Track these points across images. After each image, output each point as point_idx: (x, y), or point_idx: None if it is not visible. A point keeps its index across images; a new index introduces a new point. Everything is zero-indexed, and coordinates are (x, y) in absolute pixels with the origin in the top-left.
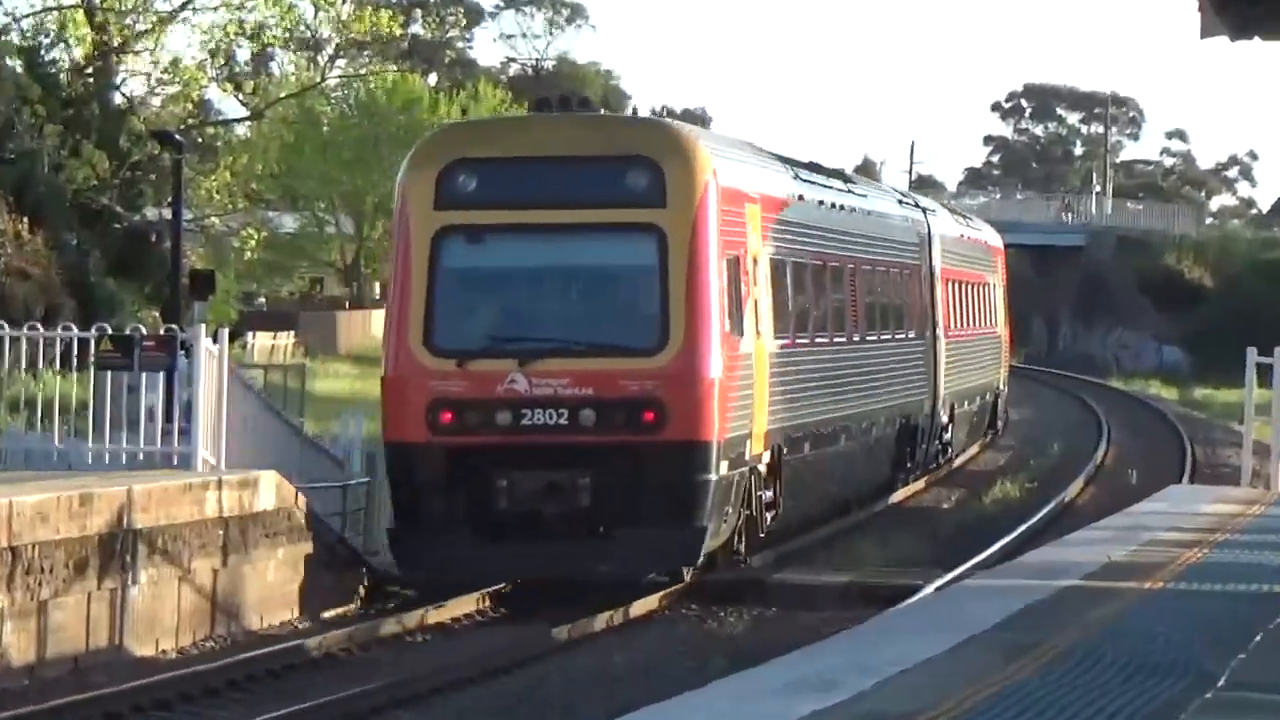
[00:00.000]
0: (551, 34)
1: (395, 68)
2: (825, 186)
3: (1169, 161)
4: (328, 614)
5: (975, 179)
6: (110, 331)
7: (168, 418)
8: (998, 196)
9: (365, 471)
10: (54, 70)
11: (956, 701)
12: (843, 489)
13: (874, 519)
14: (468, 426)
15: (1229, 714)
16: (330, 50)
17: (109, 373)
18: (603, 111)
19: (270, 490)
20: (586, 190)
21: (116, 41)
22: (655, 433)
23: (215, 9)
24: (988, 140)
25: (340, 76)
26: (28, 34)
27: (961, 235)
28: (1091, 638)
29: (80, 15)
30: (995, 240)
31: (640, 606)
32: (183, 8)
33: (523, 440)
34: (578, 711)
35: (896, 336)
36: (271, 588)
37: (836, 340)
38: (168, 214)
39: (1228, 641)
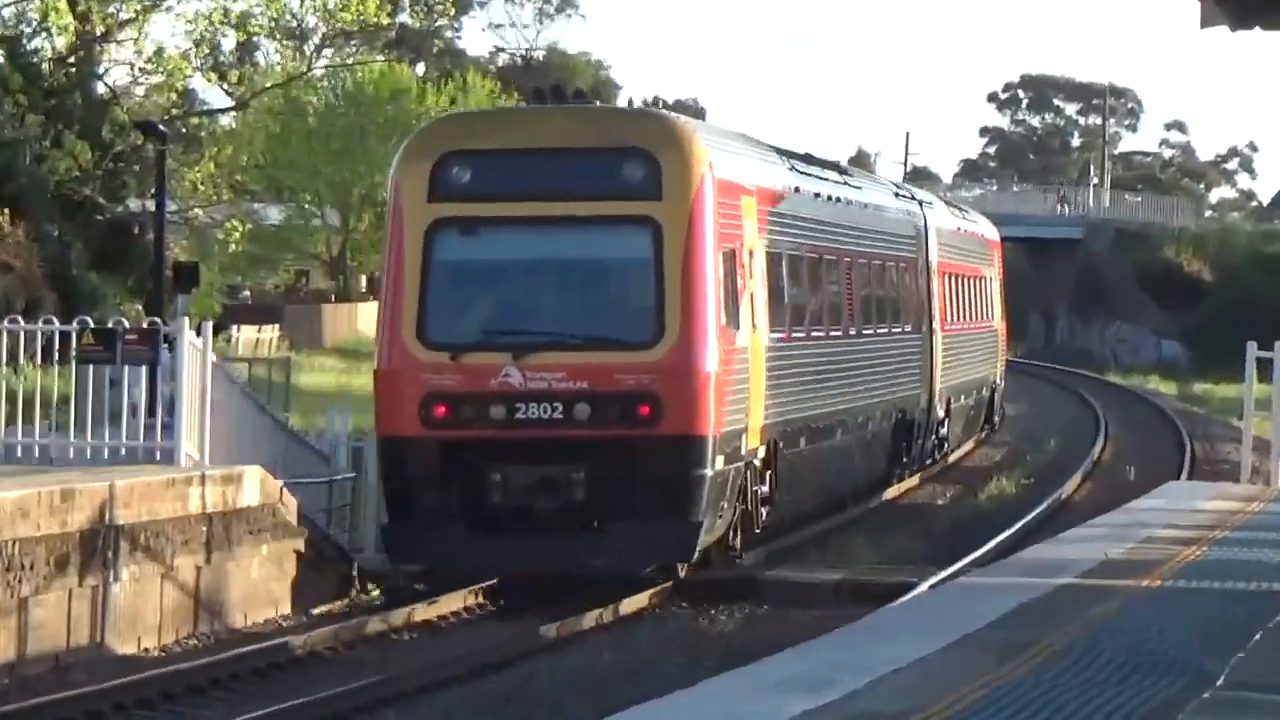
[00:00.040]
0: (541, 24)
1: (383, 57)
2: (821, 179)
3: (1168, 153)
4: (314, 611)
5: (971, 171)
6: (92, 325)
7: (150, 412)
8: (994, 188)
9: (351, 467)
10: (36, 60)
11: (950, 701)
12: (839, 484)
13: (867, 516)
14: (461, 420)
15: (1228, 714)
16: (317, 39)
17: (91, 367)
18: (597, 103)
19: (254, 486)
20: (581, 182)
21: (99, 30)
22: (650, 427)
23: None
24: (984, 131)
25: (327, 66)
26: (9, 23)
27: (958, 228)
28: (1087, 636)
29: (62, 4)
30: (992, 233)
31: (630, 604)
32: None
33: (517, 434)
34: (567, 711)
35: (893, 330)
36: (255, 585)
37: (833, 334)
38: (151, 205)
39: (1226, 640)
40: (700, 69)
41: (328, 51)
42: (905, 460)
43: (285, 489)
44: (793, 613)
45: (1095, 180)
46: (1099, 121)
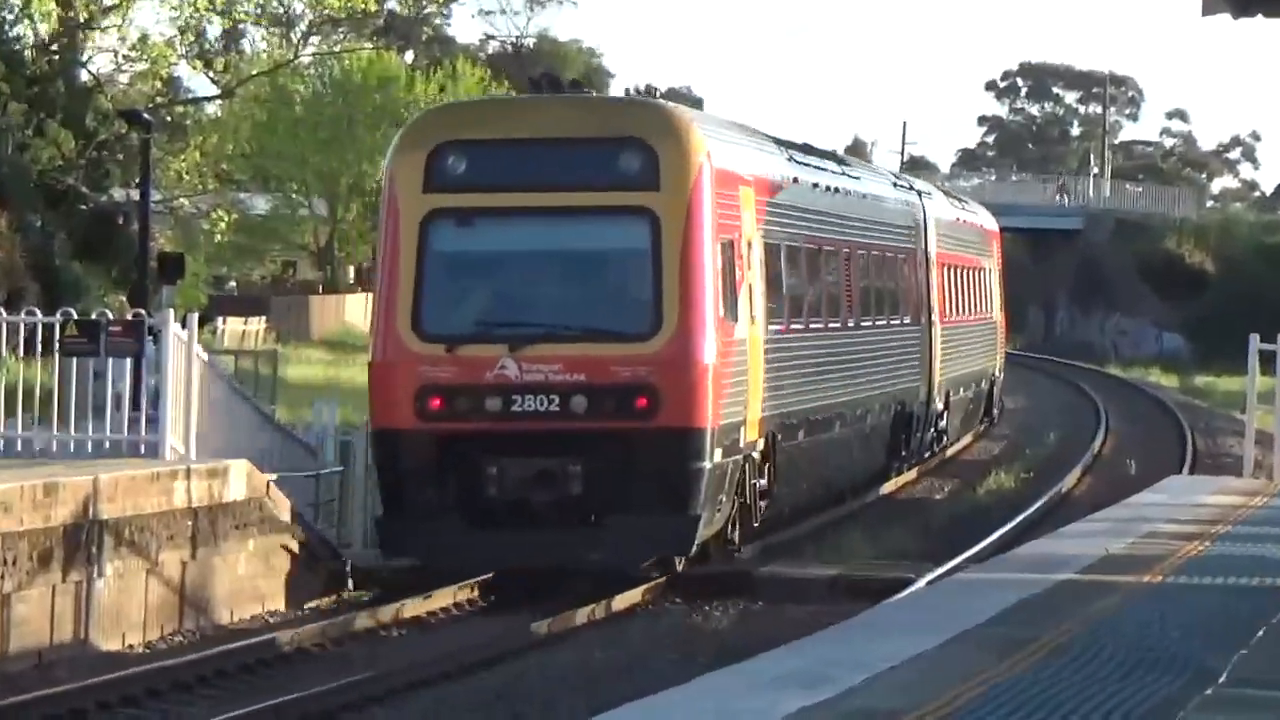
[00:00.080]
0: (531, 10)
1: (371, 45)
2: (819, 169)
3: (1169, 142)
4: (303, 607)
5: (969, 160)
6: (76, 316)
7: (135, 405)
8: (992, 178)
9: (339, 461)
10: (18, 47)
11: (948, 699)
12: (837, 477)
13: (864, 510)
14: (457, 413)
15: (1230, 711)
16: (304, 26)
17: (74, 359)
18: (592, 93)
19: (241, 480)
20: (578, 173)
21: (83, 17)
22: (648, 419)
23: None
24: (982, 120)
25: (314, 54)
26: None
27: (957, 219)
28: (1087, 633)
29: None
30: (991, 224)
31: (623, 600)
32: None
33: (513, 427)
34: (558, 708)
35: (891, 322)
36: (242, 580)
37: (831, 326)
38: (135, 195)
39: (1229, 637)
40: (693, 57)
41: (315, 39)
42: (904, 453)
43: (272, 483)
44: (788, 609)
45: (1095, 170)
46: (1099, 110)
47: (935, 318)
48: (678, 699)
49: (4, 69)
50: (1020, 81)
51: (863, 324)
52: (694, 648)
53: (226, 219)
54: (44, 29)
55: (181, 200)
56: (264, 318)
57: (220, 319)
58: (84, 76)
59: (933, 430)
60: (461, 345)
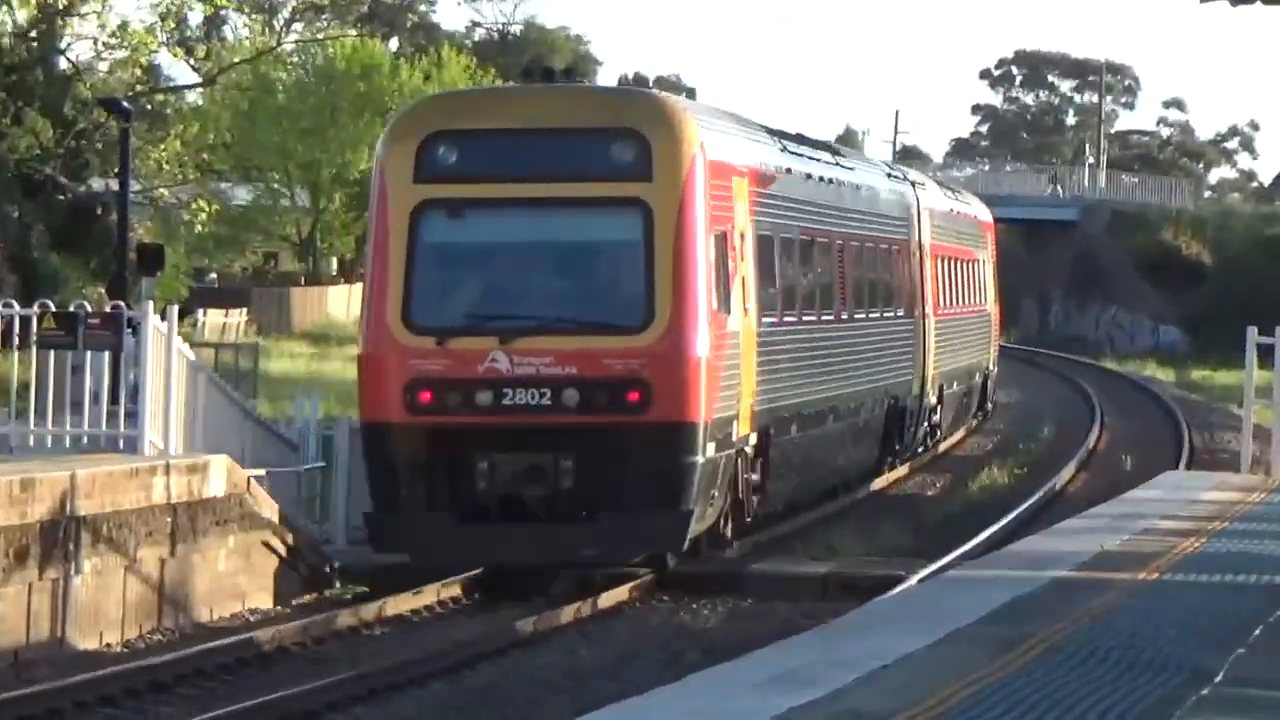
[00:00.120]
0: None
1: (355, 32)
2: (813, 159)
3: (1166, 132)
4: (284, 605)
5: (963, 150)
6: (53, 309)
7: (113, 399)
8: (986, 168)
9: (321, 456)
10: None
11: (939, 699)
12: (830, 473)
13: (855, 506)
14: (447, 406)
15: (1227, 711)
16: (286, 13)
17: (52, 352)
18: (586, 82)
19: (221, 476)
20: (570, 163)
21: (62, 4)
22: (640, 413)
23: None
24: (976, 109)
25: (297, 41)
26: None
27: (951, 210)
28: (1082, 632)
29: None
30: (985, 215)
31: (609, 598)
32: None
33: (504, 421)
34: (543, 708)
35: (885, 315)
36: (222, 578)
37: (824, 319)
38: (114, 185)
39: (1226, 635)
40: (682, 45)
41: (298, 26)
42: (898, 448)
43: (253, 479)
44: (777, 607)
45: (1091, 160)
46: (1095, 99)
47: (929, 310)
48: (665, 698)
49: None
50: (1015, 69)
51: (856, 317)
52: (682, 647)
53: (207, 209)
54: (22, 16)
55: (161, 190)
56: (245, 310)
57: (201, 311)
58: (63, 64)
59: (926, 425)
60: (452, 338)
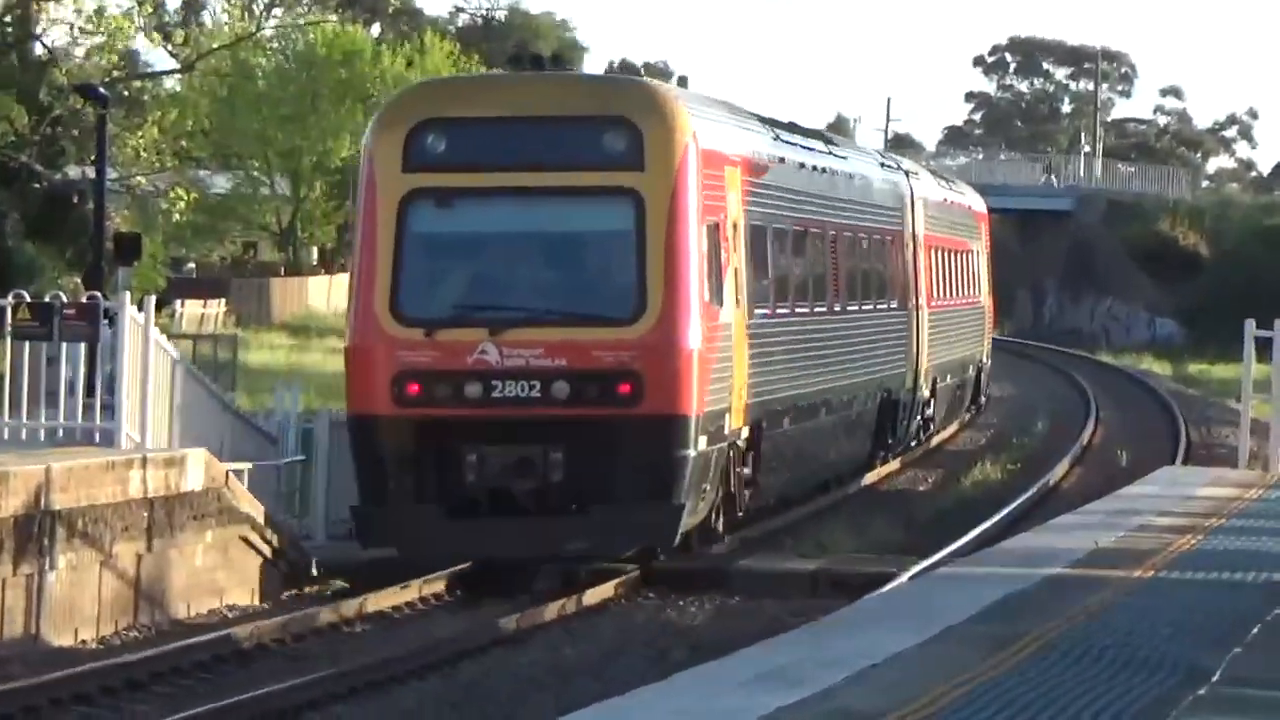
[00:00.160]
0: None
1: (335, 17)
2: (806, 148)
3: (1163, 121)
4: (263, 601)
5: (955, 138)
6: (28, 299)
7: (89, 392)
8: (980, 157)
9: (300, 449)
10: None
11: (931, 698)
12: (823, 466)
13: (846, 502)
14: (435, 398)
15: (1224, 712)
16: None
17: (27, 343)
18: (579, 71)
19: (198, 469)
20: (561, 152)
21: None
22: (631, 406)
23: None
24: (969, 97)
25: (277, 27)
26: None
27: (944, 200)
28: (1076, 630)
29: None
30: (979, 205)
31: (594, 595)
32: None
33: (493, 413)
34: (526, 707)
35: (878, 306)
36: (199, 573)
37: (818, 310)
38: (91, 173)
39: (1223, 634)
40: (669, 31)
41: (278, 11)
42: (890, 442)
43: (231, 473)
44: (766, 604)
45: (1086, 149)
46: (1090, 87)
47: (922, 302)
48: (650, 697)
49: None
50: (1009, 57)
51: (849, 308)
52: (668, 644)
53: (185, 198)
54: None
55: (139, 179)
56: (224, 301)
57: (178, 302)
58: (38, 50)
59: (919, 418)
60: (440, 329)
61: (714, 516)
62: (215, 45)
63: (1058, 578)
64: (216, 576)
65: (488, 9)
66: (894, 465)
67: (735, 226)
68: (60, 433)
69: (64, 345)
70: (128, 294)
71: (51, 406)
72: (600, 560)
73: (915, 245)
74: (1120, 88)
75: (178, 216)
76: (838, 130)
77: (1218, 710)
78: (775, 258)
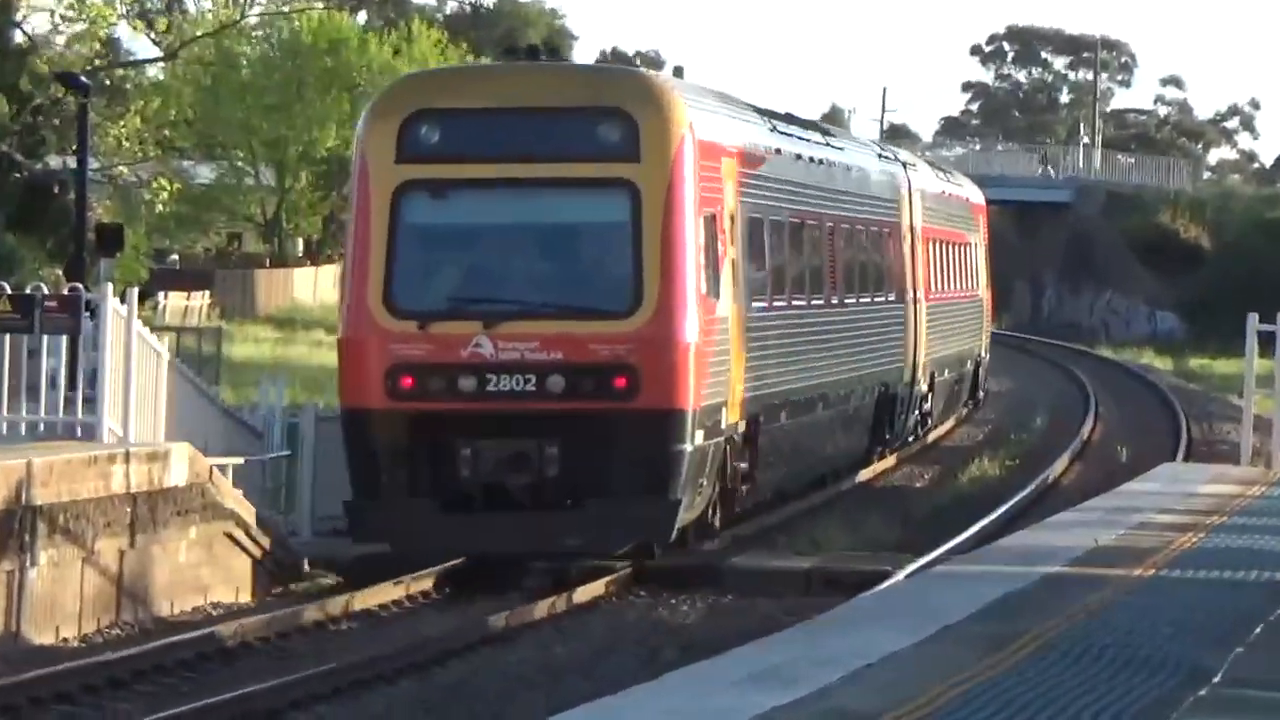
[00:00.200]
0: None
1: (321, 5)
2: (803, 139)
3: (1163, 111)
4: (248, 599)
5: (952, 129)
6: (9, 291)
7: (71, 385)
8: (977, 148)
9: (286, 444)
10: None
11: (927, 698)
12: (820, 461)
13: (841, 498)
14: (429, 392)
15: (1226, 712)
16: None
17: (7, 335)
18: (572, 60)
19: (182, 464)
20: (556, 143)
21: None
22: (627, 400)
23: None
24: (966, 87)
25: (261, 14)
26: None
27: (942, 191)
28: (1076, 629)
29: None
30: (977, 197)
31: (585, 592)
32: None
33: (487, 407)
34: (517, 706)
35: (876, 299)
36: (183, 570)
37: (815, 303)
38: (72, 163)
39: (1224, 633)
40: (661, 19)
41: None
42: (888, 437)
43: (215, 468)
44: (759, 602)
45: (1085, 140)
46: (1090, 77)
47: (920, 295)
48: (642, 696)
49: None
50: (1007, 46)
51: (847, 301)
52: (659, 643)
53: (168, 188)
54: None
55: (121, 169)
56: (208, 293)
57: (162, 294)
58: (18, 37)
59: (916, 413)
60: (434, 322)
61: (710, 512)
62: (199, 33)
63: (1057, 576)
64: (200, 573)
65: None
66: (890, 461)
67: (732, 218)
68: (41, 427)
69: (45, 338)
70: (110, 286)
71: (32, 400)
72: (594, 556)
73: (913, 237)
74: (1120, 77)
75: (161, 207)
76: (832, 121)
77: (1219, 711)
78: (772, 250)
